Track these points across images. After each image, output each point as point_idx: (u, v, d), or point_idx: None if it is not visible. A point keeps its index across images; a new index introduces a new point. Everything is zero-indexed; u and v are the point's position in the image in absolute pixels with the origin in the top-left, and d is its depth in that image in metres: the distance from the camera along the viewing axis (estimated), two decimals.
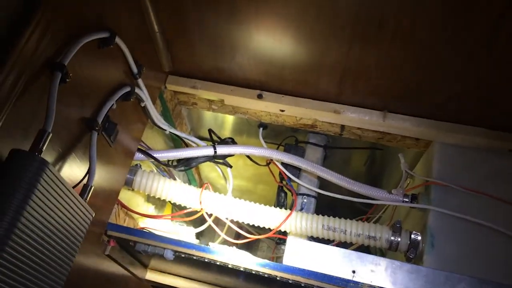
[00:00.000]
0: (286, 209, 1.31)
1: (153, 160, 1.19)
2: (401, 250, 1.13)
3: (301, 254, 1.08)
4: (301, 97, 1.24)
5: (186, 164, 1.27)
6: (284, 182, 1.39)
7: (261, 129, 1.43)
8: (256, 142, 1.42)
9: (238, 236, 1.30)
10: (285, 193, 1.39)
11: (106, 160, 0.97)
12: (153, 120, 1.17)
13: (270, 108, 1.27)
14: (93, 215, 0.82)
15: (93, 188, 0.83)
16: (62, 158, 0.79)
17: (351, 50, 1.04)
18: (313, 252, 1.08)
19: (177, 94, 1.36)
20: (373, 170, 1.72)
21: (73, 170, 0.83)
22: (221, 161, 1.34)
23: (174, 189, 1.21)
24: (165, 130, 1.23)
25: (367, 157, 1.65)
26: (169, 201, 1.24)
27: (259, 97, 1.24)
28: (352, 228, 1.16)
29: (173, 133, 1.26)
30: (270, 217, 1.21)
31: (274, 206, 1.28)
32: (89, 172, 0.84)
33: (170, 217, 1.38)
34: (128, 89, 0.97)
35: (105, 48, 0.87)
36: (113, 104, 0.92)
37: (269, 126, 1.44)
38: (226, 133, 1.62)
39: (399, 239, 1.13)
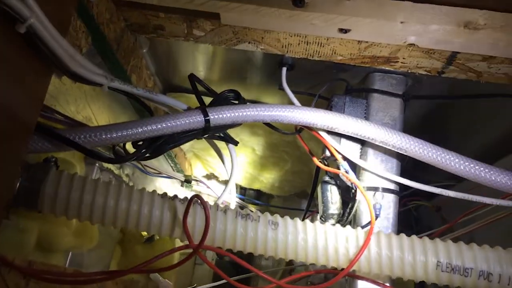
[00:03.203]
0: (343, 219, 0.73)
1: (73, 149, 0.55)
2: None
3: None
4: None
5: (154, 150, 0.63)
6: (330, 164, 0.78)
7: (284, 69, 0.79)
8: (270, 96, 0.83)
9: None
10: (337, 186, 0.78)
11: None
12: (65, 64, 0.49)
13: (319, 26, 0.61)
14: None
15: None
16: None
17: None
18: None
19: (123, 9, 0.68)
20: (432, 122, 1.13)
21: None
22: (218, 135, 0.71)
23: (125, 207, 0.57)
24: (101, 84, 0.57)
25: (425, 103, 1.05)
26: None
27: (297, 3, 0.59)
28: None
29: (116, 89, 0.60)
30: (325, 248, 0.61)
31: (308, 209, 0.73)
32: None
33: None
34: None
35: None
36: None
37: (296, 65, 0.81)
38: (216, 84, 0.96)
39: None
